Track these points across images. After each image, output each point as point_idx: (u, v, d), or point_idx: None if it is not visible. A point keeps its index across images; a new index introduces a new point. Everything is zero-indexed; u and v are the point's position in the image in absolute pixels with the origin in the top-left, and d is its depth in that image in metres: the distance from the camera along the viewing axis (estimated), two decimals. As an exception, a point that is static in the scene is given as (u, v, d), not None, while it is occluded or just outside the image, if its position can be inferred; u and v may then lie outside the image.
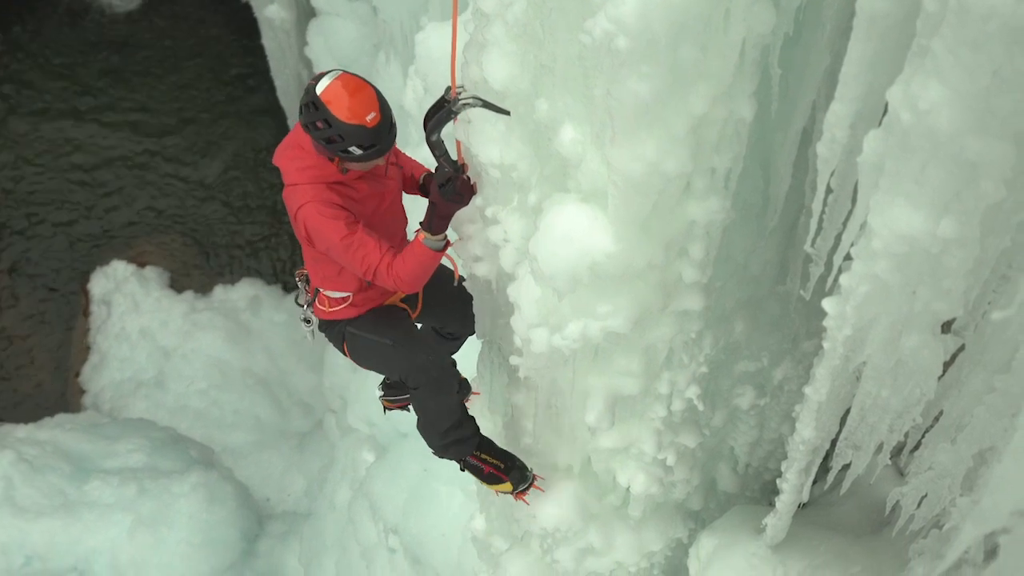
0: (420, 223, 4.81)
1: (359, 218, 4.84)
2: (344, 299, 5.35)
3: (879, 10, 2.98)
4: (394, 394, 6.37)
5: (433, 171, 5.23)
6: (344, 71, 4.59)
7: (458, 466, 5.93)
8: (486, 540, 7.35)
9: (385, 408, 6.58)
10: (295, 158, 4.88)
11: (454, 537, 10.31)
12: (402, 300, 5.57)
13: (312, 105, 4.56)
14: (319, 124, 4.56)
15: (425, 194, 5.41)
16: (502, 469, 5.78)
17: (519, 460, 5.85)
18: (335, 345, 5.65)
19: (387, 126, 4.63)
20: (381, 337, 5.41)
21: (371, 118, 4.55)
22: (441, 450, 5.81)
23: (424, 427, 5.76)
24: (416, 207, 5.21)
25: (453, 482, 10.55)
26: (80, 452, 15.70)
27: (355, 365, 5.69)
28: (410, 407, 6.33)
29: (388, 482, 11.61)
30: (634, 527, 6.20)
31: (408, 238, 5.25)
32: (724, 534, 6.00)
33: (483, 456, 5.80)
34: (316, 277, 5.36)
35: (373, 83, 4.64)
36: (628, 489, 5.81)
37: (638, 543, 6.23)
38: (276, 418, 18.02)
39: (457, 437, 5.70)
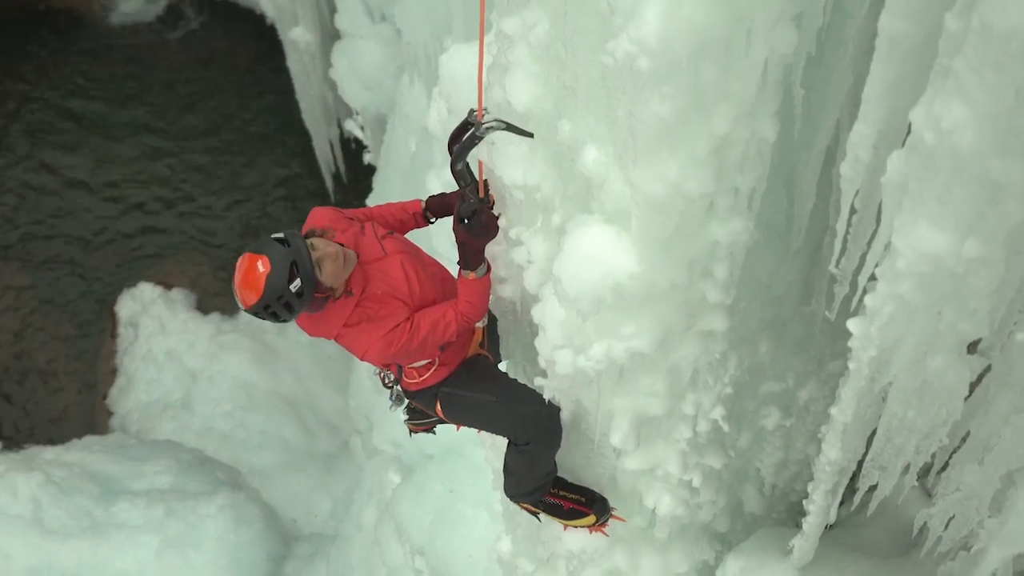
0: (459, 263, 4.84)
1: (406, 306, 4.87)
2: (431, 363, 5.24)
3: (901, 31, 2.98)
4: (419, 418, 6.29)
5: (425, 199, 5.30)
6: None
7: (519, 507, 5.78)
8: (512, 562, 7.32)
9: (411, 431, 6.46)
10: (316, 323, 4.91)
11: (480, 559, 10.28)
12: (479, 345, 5.48)
13: (262, 312, 4.61)
14: (277, 314, 4.61)
15: (431, 221, 5.43)
16: (584, 503, 5.65)
17: (596, 491, 5.72)
18: (426, 408, 5.55)
19: (280, 259, 4.54)
20: (481, 393, 5.30)
21: (262, 269, 4.52)
22: (526, 496, 5.59)
23: (522, 480, 5.49)
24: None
25: (479, 503, 10.54)
26: (107, 474, 15.75)
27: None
28: (435, 430, 6.31)
29: (414, 503, 11.60)
30: (660, 549, 6.17)
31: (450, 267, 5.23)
32: (751, 556, 5.97)
33: (561, 493, 5.64)
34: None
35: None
36: (654, 511, 5.78)
37: (664, 565, 6.20)
38: (303, 439, 18.01)
39: (548, 479, 5.54)
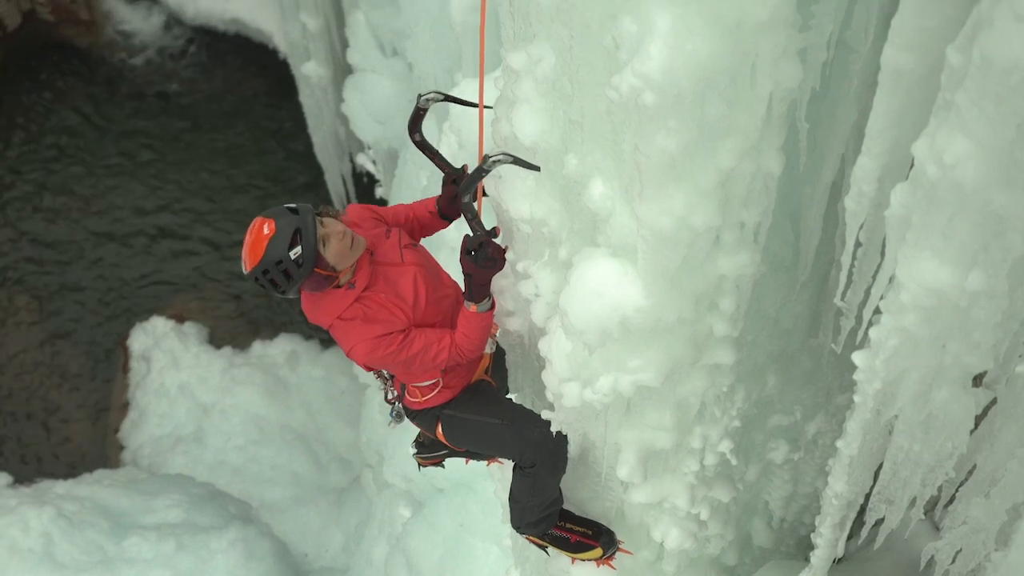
0: (463, 294, 4.83)
1: (406, 317, 4.85)
2: (435, 384, 5.23)
3: (904, 65, 2.99)
4: (428, 451, 6.28)
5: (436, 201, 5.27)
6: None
7: (526, 539, 5.78)
8: (521, 596, 7.31)
9: (420, 465, 6.46)
10: (316, 308, 4.91)
11: (490, 593, 10.27)
12: (485, 371, 5.47)
13: (261, 278, 4.64)
14: (275, 282, 4.62)
15: (446, 217, 5.37)
16: (591, 536, 5.64)
17: (603, 524, 5.72)
18: (426, 430, 5.55)
19: (285, 225, 4.55)
20: (487, 417, 5.29)
21: (267, 231, 4.54)
22: (533, 526, 5.57)
23: (527, 508, 5.47)
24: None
25: (489, 538, 10.51)
26: (119, 508, 15.72)
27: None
28: (444, 464, 6.30)
29: (424, 537, 11.58)
30: (669, 583, 6.17)
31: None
32: (760, 590, 5.96)
33: (567, 525, 5.64)
34: (399, 375, 5.29)
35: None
36: (662, 544, 5.77)
37: (673, 599, 6.19)
38: (314, 473, 18.01)
39: (553, 510, 5.52)
